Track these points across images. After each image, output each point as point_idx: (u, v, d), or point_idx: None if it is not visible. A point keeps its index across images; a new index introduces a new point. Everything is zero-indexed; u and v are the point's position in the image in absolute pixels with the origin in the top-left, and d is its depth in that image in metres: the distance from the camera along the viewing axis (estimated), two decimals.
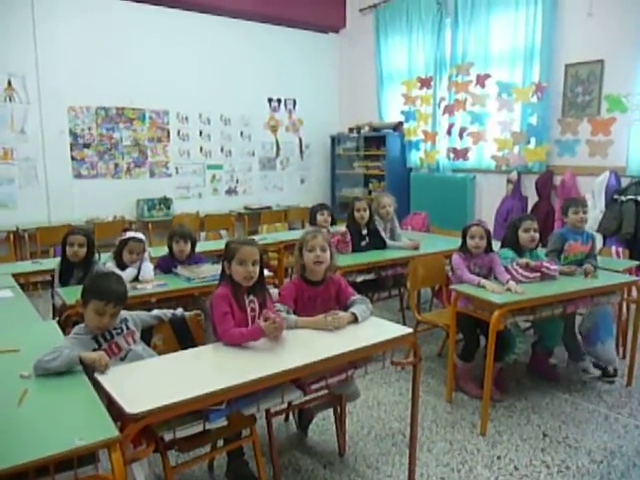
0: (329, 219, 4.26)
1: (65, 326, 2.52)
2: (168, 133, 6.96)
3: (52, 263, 3.55)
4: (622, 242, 4.84)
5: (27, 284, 4.17)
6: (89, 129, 6.38)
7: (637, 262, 3.97)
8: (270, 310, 2.27)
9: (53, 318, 3.16)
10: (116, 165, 6.62)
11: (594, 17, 5.23)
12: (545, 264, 3.18)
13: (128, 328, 2.18)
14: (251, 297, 2.28)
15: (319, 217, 4.24)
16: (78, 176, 6.36)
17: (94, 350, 2.02)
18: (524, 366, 3.62)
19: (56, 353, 1.81)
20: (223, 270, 2.30)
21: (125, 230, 3.62)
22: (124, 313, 2.21)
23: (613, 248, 4.37)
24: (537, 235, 3.28)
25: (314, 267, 2.46)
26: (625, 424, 2.96)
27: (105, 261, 3.40)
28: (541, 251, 3.44)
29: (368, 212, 4.20)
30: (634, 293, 3.49)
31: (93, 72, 6.24)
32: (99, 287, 2.08)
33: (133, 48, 6.48)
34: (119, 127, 6.59)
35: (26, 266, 3.83)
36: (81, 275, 3.29)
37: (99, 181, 6.50)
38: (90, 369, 1.82)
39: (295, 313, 2.40)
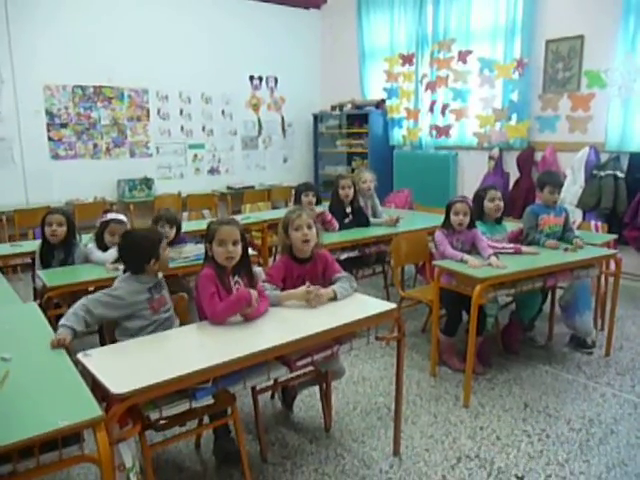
0: (314, 200, 4.22)
1: (46, 308, 2.50)
2: (148, 112, 6.84)
3: (32, 246, 3.50)
4: (601, 217, 4.92)
5: (6, 267, 4.09)
6: (66, 108, 6.23)
7: (615, 236, 4.04)
8: (258, 293, 2.27)
9: (34, 301, 3.12)
10: (95, 145, 6.49)
11: None
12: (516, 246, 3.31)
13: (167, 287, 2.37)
14: (236, 278, 2.28)
15: (304, 199, 4.20)
16: (56, 157, 6.23)
17: (148, 299, 2.22)
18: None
19: (68, 318, 1.99)
20: (206, 251, 2.29)
21: (106, 212, 3.58)
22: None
23: (592, 222, 4.44)
24: (502, 204, 3.39)
25: (302, 246, 2.45)
26: (603, 393, 3.05)
27: (86, 242, 3.36)
28: (510, 224, 3.56)
29: (352, 190, 4.19)
30: (612, 266, 3.56)
31: (69, 50, 6.06)
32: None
33: (110, 25, 6.29)
34: (97, 106, 6.44)
35: (5, 249, 3.76)
36: (62, 257, 3.25)
37: (78, 162, 6.38)
38: (72, 351, 1.82)
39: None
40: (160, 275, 2.35)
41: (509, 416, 2.82)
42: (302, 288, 2.35)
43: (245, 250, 2.29)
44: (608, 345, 3.52)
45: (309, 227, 2.45)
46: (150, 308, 2.22)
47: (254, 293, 2.15)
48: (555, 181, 3.55)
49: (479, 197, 3.49)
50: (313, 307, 2.31)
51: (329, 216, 4.02)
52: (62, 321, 1.98)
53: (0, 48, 5.71)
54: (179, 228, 3.48)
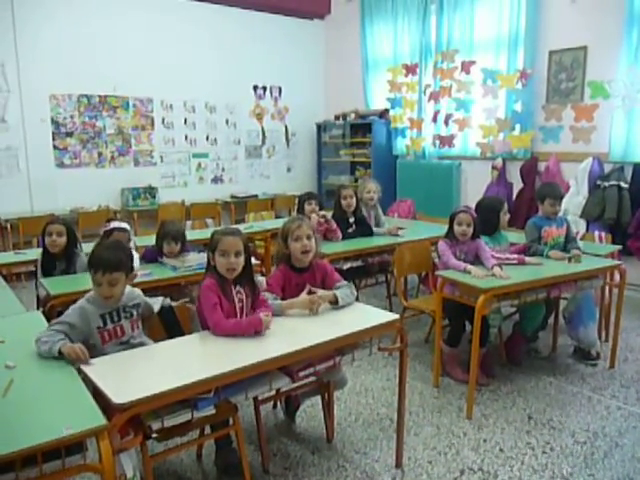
0: (317, 209, 4.24)
1: (50, 317, 2.49)
2: (152, 121, 6.88)
3: (35, 253, 3.50)
4: (605, 227, 4.90)
5: (10, 275, 4.10)
6: (71, 117, 6.27)
7: (619, 246, 4.03)
8: (261, 303, 2.28)
9: (37, 309, 3.13)
10: (100, 154, 6.53)
11: (577, 3, 5.23)
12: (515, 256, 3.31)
13: (138, 314, 2.21)
14: (238, 288, 2.27)
15: (307, 207, 4.23)
16: (61, 165, 6.27)
17: (98, 328, 2.07)
18: None
19: (50, 339, 1.86)
20: (209, 260, 2.29)
21: (109, 220, 3.58)
22: (140, 298, 2.25)
23: (596, 233, 4.43)
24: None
25: (302, 256, 2.45)
26: (608, 405, 3.02)
27: (89, 251, 3.35)
28: (513, 235, 3.54)
29: (355, 199, 4.20)
30: (616, 277, 3.54)
31: (75, 59, 6.11)
32: (92, 258, 2.12)
33: (116, 35, 6.35)
34: (102, 115, 6.48)
35: (9, 257, 3.77)
36: (64, 267, 3.25)
37: (82, 170, 6.41)
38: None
39: (283, 300, 2.40)
40: (130, 302, 2.18)
41: (513, 428, 2.80)
42: (304, 296, 2.35)
43: (248, 261, 2.29)
44: (612, 357, 3.50)
45: (308, 238, 2.45)
46: (100, 337, 2.07)
47: (266, 321, 2.10)
48: (555, 193, 3.54)
49: (494, 209, 3.46)
50: (315, 313, 2.31)
51: (334, 225, 4.03)
52: (46, 346, 1.85)
53: (7, 58, 5.77)
54: (184, 241, 3.41)
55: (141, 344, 2.15)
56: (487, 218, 3.39)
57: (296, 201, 4.58)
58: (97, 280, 2.07)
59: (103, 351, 2.05)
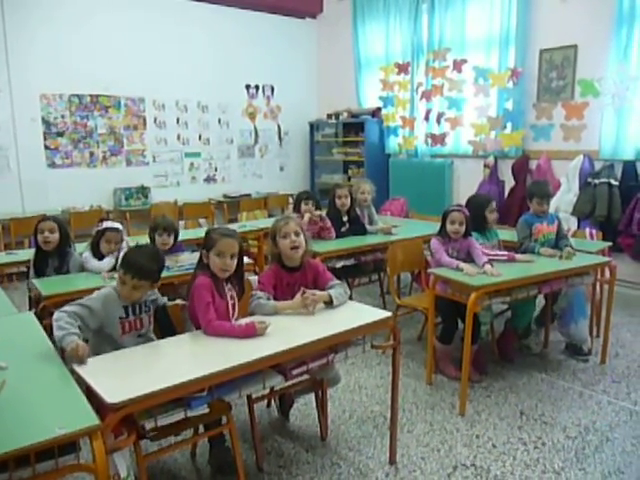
0: (313, 209, 4.23)
1: (42, 317, 2.49)
2: (144, 121, 6.85)
3: (27, 254, 3.49)
4: (596, 224, 4.95)
5: (2, 276, 4.09)
6: (62, 117, 6.24)
7: (610, 243, 4.07)
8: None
9: (29, 310, 3.12)
10: (91, 154, 6.50)
11: (568, 2, 5.27)
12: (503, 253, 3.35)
13: (152, 310, 2.27)
14: (229, 285, 2.29)
15: (303, 206, 4.20)
16: (52, 165, 6.24)
17: (120, 318, 2.12)
18: None
19: (65, 327, 1.89)
20: (200, 259, 2.29)
21: (102, 220, 3.57)
22: (155, 294, 2.30)
23: (587, 230, 4.47)
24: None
25: (291, 253, 2.45)
26: (599, 400, 3.05)
27: (82, 251, 3.35)
28: (505, 232, 3.58)
29: (349, 199, 4.20)
30: (607, 274, 3.57)
31: (65, 59, 6.08)
32: (127, 258, 2.17)
33: (107, 34, 6.32)
34: (94, 115, 6.45)
35: (0, 257, 3.75)
36: (57, 265, 3.25)
37: (74, 170, 6.38)
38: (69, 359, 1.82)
39: (275, 299, 2.41)
40: (149, 297, 2.24)
41: (505, 424, 2.82)
42: (298, 298, 2.35)
43: (240, 261, 2.30)
44: (603, 353, 3.53)
45: (297, 234, 2.45)
46: (121, 327, 2.12)
47: (260, 328, 2.09)
48: (542, 192, 3.57)
49: (480, 207, 3.48)
50: (311, 313, 2.31)
51: (329, 223, 4.03)
52: (61, 333, 1.88)
53: None
54: (177, 235, 3.47)
55: (152, 339, 2.23)
56: (473, 215, 3.41)
57: (289, 200, 4.58)
58: (123, 279, 2.11)
59: (121, 342, 2.10)
